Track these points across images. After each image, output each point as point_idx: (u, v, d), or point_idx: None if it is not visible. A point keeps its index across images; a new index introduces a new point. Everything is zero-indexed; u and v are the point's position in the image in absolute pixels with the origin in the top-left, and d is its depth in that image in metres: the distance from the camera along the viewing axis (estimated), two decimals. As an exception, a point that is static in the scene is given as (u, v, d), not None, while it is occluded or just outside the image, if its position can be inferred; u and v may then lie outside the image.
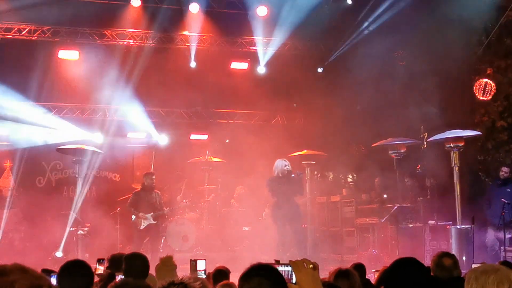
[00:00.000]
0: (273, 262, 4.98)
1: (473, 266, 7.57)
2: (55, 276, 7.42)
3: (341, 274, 7.54)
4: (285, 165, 19.19)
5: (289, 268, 4.77)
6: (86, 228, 20.54)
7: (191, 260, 9.31)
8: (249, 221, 22.05)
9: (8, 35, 22.46)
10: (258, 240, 21.23)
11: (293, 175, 19.20)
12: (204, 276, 8.90)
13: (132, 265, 8.42)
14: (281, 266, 4.77)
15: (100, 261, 9.13)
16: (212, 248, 20.78)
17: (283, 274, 4.73)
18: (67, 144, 21.70)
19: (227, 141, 25.23)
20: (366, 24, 22.05)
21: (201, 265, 9.09)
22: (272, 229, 20.41)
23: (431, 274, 7.85)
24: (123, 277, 8.26)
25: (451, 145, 17.53)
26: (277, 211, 19.20)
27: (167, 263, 9.56)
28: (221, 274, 9.11)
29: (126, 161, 24.78)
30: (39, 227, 21.24)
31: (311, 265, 4.80)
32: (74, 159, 20.88)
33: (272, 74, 24.28)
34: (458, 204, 17.37)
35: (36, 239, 21.00)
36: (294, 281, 4.71)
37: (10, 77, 22.23)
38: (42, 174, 24.15)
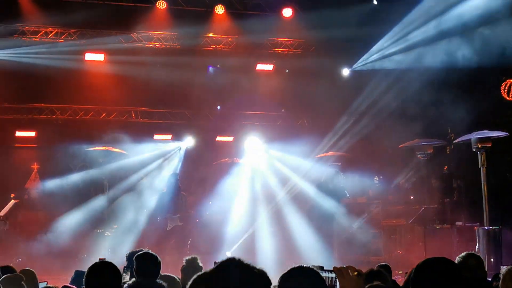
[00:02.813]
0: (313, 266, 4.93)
1: (502, 268, 7.48)
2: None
3: (372, 275, 7.46)
4: (335, 173, 19.17)
5: (333, 275, 4.71)
6: (113, 230, 20.61)
7: (215, 262, 9.26)
8: (274, 223, 22.02)
9: (35, 37, 22.60)
10: (282, 241, 21.20)
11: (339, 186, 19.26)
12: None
13: (142, 265, 8.35)
14: (325, 273, 4.71)
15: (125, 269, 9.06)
16: (238, 249, 20.75)
17: (326, 281, 4.67)
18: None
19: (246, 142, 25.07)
20: (394, 28, 21.88)
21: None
22: (297, 230, 20.38)
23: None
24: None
25: (478, 145, 17.34)
26: (313, 213, 19.20)
27: (192, 265, 9.53)
28: None
29: (152, 163, 24.79)
30: (66, 229, 21.31)
31: (356, 272, 4.74)
32: (101, 161, 20.99)
33: (298, 76, 24.21)
34: (486, 205, 17.17)
35: (63, 240, 21.06)
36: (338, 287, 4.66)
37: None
38: (69, 175, 24.22)
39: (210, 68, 23.43)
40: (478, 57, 19.47)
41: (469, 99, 19.87)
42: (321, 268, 4.84)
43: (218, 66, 24.61)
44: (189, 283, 3.66)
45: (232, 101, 24.87)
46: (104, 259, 9.13)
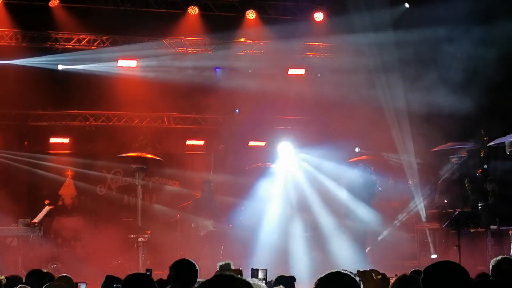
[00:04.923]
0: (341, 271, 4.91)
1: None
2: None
3: (405, 280, 7.41)
4: (366, 172, 18.97)
5: (357, 279, 4.70)
6: (147, 236, 20.69)
7: (252, 269, 9.30)
8: (307, 227, 21.96)
9: (68, 45, 22.79)
10: (315, 245, 21.15)
11: (370, 186, 18.98)
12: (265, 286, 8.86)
13: (180, 271, 8.37)
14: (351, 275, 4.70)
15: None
16: (272, 255, 20.72)
17: None
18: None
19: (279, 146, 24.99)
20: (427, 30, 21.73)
21: (262, 274, 9.07)
22: (330, 235, 20.29)
23: (490, 278, 7.75)
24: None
25: (512, 148, 17.19)
26: (346, 217, 19.08)
27: (226, 270, 9.54)
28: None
29: (185, 169, 24.85)
30: (100, 235, 21.44)
31: (380, 276, 4.72)
32: (134, 167, 21.10)
33: (330, 80, 24.12)
34: (520, 209, 17.05)
35: (97, 246, 21.19)
36: None
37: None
38: (103, 182, 24.37)
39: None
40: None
41: (504, 101, 19.74)
42: (345, 271, 4.82)
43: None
44: None
45: (264, 106, 24.85)
46: (151, 270, 9.21)
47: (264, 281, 8.95)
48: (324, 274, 4.64)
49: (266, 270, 9.20)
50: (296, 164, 23.69)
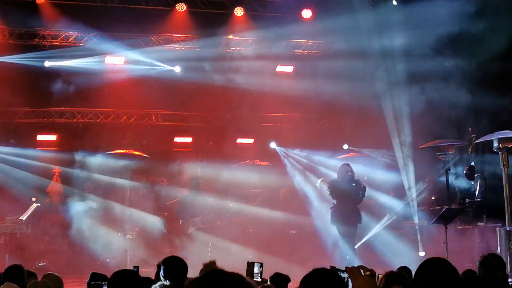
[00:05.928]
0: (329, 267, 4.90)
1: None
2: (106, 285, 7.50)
3: (392, 277, 7.42)
4: (348, 171, 18.86)
5: (345, 275, 4.70)
6: (134, 233, 20.66)
7: (248, 262, 9.29)
8: (296, 224, 21.96)
9: (55, 42, 22.73)
10: (305, 243, 21.14)
11: (353, 184, 18.84)
12: (260, 280, 8.87)
13: (170, 268, 8.38)
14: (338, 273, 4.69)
15: None
16: (259, 251, 20.70)
17: None
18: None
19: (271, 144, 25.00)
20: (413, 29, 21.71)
21: (257, 268, 9.07)
22: (321, 231, 20.29)
23: (477, 274, 7.79)
24: None
25: (500, 146, 17.20)
26: (335, 213, 18.98)
27: (211, 269, 9.51)
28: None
29: (173, 166, 24.79)
30: (87, 232, 21.37)
31: (368, 272, 4.72)
32: (122, 164, 21.04)
33: (318, 77, 24.11)
34: (507, 205, 17.01)
35: (85, 243, 21.13)
36: None
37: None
38: (90, 179, 24.28)
39: None
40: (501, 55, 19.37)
41: (492, 98, 19.77)
42: (333, 268, 4.82)
43: None
44: None
45: (252, 102, 24.82)
46: (138, 266, 9.19)
47: (259, 275, 8.95)
48: (309, 272, 4.63)
49: (261, 263, 9.20)
50: (285, 160, 23.73)
